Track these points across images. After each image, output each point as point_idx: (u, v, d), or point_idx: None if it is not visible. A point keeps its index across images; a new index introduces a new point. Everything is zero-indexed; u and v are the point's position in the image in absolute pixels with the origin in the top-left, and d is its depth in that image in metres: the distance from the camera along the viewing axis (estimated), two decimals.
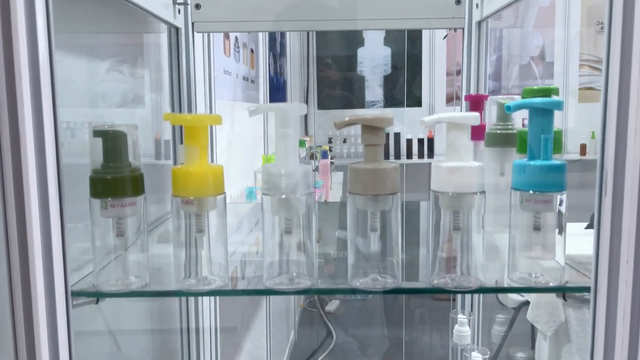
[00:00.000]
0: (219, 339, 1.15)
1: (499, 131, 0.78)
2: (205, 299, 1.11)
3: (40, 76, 0.49)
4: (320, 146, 3.14)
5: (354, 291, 0.58)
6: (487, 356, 0.90)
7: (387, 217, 0.57)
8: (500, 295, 2.27)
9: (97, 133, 0.56)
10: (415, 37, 3.71)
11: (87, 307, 0.78)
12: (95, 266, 0.59)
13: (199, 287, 0.59)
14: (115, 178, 0.56)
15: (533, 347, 2.22)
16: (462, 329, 0.99)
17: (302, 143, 2.97)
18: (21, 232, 0.51)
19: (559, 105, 0.55)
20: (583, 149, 3.47)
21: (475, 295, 1.08)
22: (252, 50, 2.10)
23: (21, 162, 0.49)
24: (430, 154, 3.65)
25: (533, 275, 0.59)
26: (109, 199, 0.56)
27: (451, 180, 0.55)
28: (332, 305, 3.50)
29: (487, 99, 0.88)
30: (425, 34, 3.74)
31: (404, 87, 3.72)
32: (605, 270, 0.53)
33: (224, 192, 0.58)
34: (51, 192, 0.51)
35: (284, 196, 0.56)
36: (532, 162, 0.56)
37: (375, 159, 0.56)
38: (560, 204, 0.56)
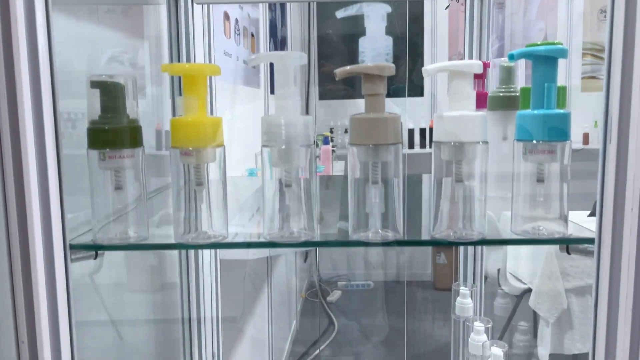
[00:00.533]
0: (220, 329, 1.14)
1: (501, 94, 0.77)
2: (207, 287, 1.10)
3: (39, 66, 0.48)
4: (322, 134, 3.13)
5: (353, 243, 0.57)
6: (489, 325, 0.89)
7: (389, 169, 0.56)
8: (502, 283, 2.26)
9: (94, 84, 0.55)
10: (416, 16, 3.68)
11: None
12: (93, 220, 0.58)
13: (199, 240, 0.58)
14: (113, 129, 0.55)
15: (535, 335, 2.22)
16: (465, 301, 0.98)
17: None
18: (18, 185, 0.50)
19: (563, 53, 0.54)
20: (586, 138, 3.45)
21: (477, 269, 1.07)
22: (252, 35, 2.09)
23: (18, 117, 0.49)
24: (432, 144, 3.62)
25: (536, 228, 0.58)
26: (107, 149, 0.55)
27: (453, 129, 0.55)
28: (334, 295, 3.49)
29: (489, 67, 0.87)
30: (427, 24, 3.72)
31: (405, 76, 3.70)
32: (610, 219, 0.52)
33: (223, 145, 0.58)
34: (48, 142, 0.50)
35: (283, 147, 0.55)
36: (535, 112, 0.55)
37: (376, 108, 0.55)
38: (564, 155, 0.56)
